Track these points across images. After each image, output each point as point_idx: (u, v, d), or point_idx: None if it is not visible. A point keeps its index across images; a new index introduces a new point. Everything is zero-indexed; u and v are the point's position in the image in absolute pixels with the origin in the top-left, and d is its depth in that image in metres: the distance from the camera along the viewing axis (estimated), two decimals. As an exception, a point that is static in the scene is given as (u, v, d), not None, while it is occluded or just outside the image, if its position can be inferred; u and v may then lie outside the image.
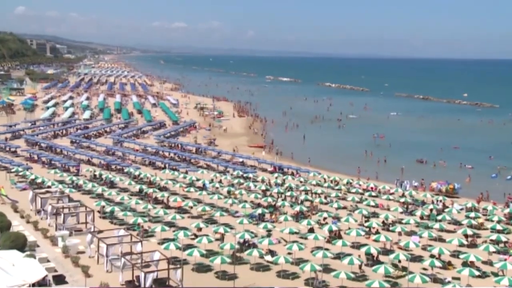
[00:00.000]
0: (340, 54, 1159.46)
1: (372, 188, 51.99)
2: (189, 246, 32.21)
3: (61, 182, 48.58)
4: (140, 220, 36.68)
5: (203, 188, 48.93)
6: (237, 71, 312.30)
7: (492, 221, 40.87)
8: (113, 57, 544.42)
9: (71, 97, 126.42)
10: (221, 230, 34.85)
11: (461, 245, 35.01)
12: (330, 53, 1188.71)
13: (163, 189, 48.49)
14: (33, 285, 23.88)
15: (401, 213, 43.43)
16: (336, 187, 51.95)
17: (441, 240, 36.71)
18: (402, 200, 46.95)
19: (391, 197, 48.72)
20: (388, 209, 44.69)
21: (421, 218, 42.09)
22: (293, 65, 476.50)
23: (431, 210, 43.81)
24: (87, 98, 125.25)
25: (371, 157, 71.68)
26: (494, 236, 36.07)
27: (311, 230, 36.87)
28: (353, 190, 50.67)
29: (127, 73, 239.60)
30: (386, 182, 55.46)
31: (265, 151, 72.92)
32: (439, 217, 41.29)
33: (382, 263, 30.21)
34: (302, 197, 46.39)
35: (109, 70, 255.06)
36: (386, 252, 33.66)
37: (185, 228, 35.37)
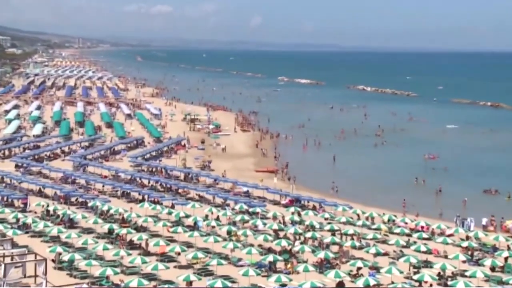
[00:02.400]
0: (377, 48, 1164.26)
1: (423, 227, 51.69)
2: (176, 307, 31.96)
3: (1, 221, 48.56)
4: (109, 271, 36.55)
5: (194, 227, 48.82)
6: (240, 71, 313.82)
7: None
8: (74, 52, 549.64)
9: (16, 106, 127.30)
10: (219, 284, 34.68)
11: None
12: (364, 47, 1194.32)
13: (140, 229, 48.38)
14: None
15: (464, 262, 43.02)
16: (374, 227, 51.66)
17: (519, 299, 36.26)
18: (465, 244, 46.53)
19: (449, 240, 48.31)
20: (446, 257, 44.30)
21: (492, 269, 41.68)
22: (314, 62, 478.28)
23: (506, 258, 43.39)
24: (39, 107, 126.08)
25: (423, 185, 71.50)
26: None
27: (340, 285, 36.63)
28: (397, 231, 50.33)
29: (92, 73, 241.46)
30: (442, 219, 55.12)
31: (278, 178, 72.85)
32: (517, 268, 40.87)
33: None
34: (328, 239, 46.13)
35: (69, 70, 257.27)
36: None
37: (170, 282, 35.12)
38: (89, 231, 48.17)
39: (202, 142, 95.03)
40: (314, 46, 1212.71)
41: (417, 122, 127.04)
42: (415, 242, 47.28)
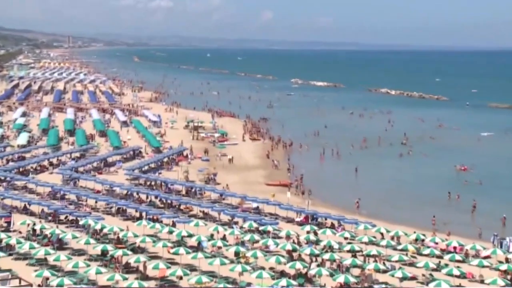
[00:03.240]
0: (401, 45, 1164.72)
1: (455, 248, 51.44)
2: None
3: (-16, 240, 48.61)
4: (102, 298, 36.51)
5: (198, 248, 48.78)
6: (248, 72, 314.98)
7: None
8: (63, 52, 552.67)
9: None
10: (226, 313, 34.58)
11: None
12: (387, 45, 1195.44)
13: (138, 250, 48.39)
14: None
15: (503, 287, 42.75)
16: (400, 247, 51.46)
17: None
18: (504, 267, 46.28)
19: (485, 262, 48.03)
20: (482, 282, 44.15)
21: (535, 295, 41.39)
22: (331, 62, 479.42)
23: (549, 282, 43.09)
24: (24, 114, 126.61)
25: (457, 201, 71.28)
26: None
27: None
28: (427, 252, 50.08)
29: (84, 76, 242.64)
30: (477, 239, 54.84)
31: (291, 192, 72.72)
32: None
33: None
34: (348, 261, 46.01)
35: (57, 72, 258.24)
36: None
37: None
38: (80, 252, 48.11)
39: (206, 152, 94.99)
40: (331, 44, 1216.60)
41: (448, 130, 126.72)
42: (446, 265, 47.03)
